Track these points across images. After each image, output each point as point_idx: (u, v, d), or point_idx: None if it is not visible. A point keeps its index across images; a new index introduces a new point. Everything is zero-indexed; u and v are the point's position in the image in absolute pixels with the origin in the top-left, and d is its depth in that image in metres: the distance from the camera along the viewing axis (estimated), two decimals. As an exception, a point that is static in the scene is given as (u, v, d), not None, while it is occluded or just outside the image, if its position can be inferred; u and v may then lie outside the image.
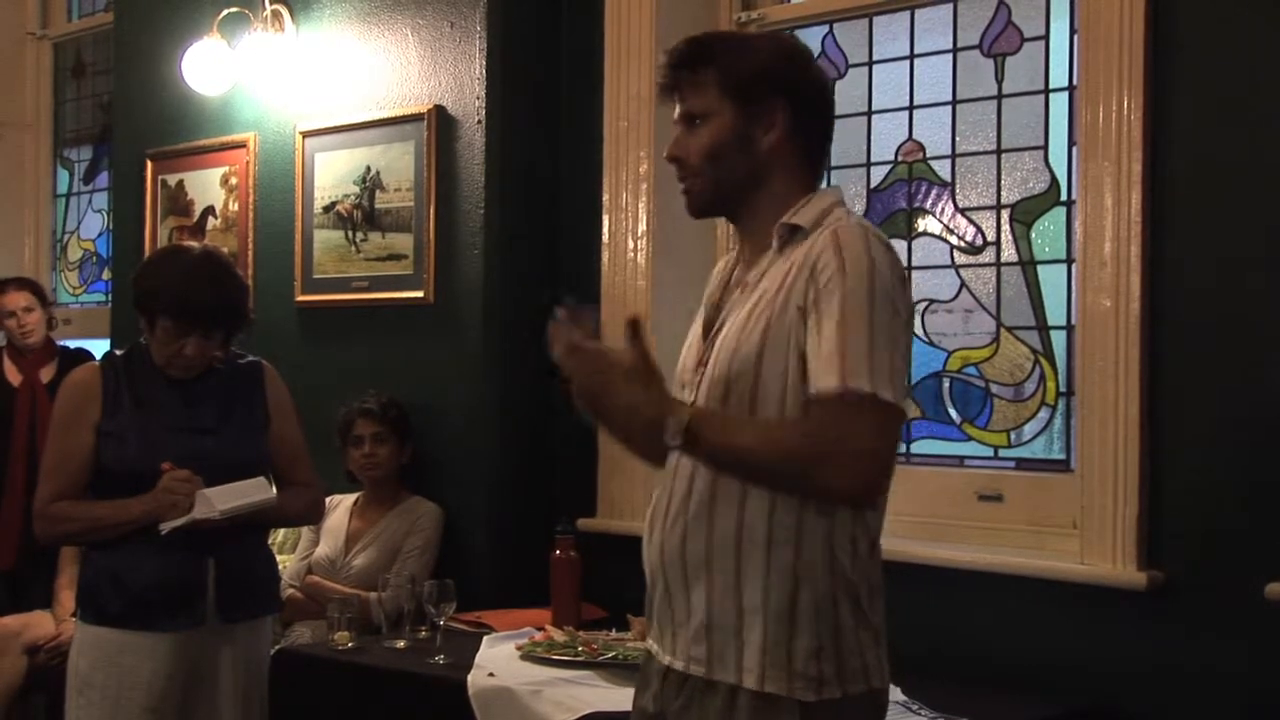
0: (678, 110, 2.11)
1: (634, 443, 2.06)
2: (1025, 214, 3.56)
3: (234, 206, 4.79)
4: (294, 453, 3.26)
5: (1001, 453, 3.58)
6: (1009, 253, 3.58)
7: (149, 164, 5.05)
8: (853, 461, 1.89)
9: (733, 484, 1.99)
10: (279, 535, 4.27)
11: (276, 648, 3.59)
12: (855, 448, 1.88)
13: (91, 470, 3.09)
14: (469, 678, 3.12)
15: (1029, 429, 3.54)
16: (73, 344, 5.35)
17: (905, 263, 3.70)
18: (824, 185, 2.14)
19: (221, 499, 2.99)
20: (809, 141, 2.09)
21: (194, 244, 3.28)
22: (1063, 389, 3.46)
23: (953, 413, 3.67)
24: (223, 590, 3.08)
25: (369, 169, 4.35)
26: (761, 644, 1.96)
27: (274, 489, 3.14)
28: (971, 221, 3.65)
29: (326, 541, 4.07)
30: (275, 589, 3.33)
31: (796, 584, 1.96)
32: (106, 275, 6.03)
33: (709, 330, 2.11)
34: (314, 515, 3.52)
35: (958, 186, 3.68)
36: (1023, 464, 3.54)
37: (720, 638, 2.00)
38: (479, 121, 4.08)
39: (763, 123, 2.05)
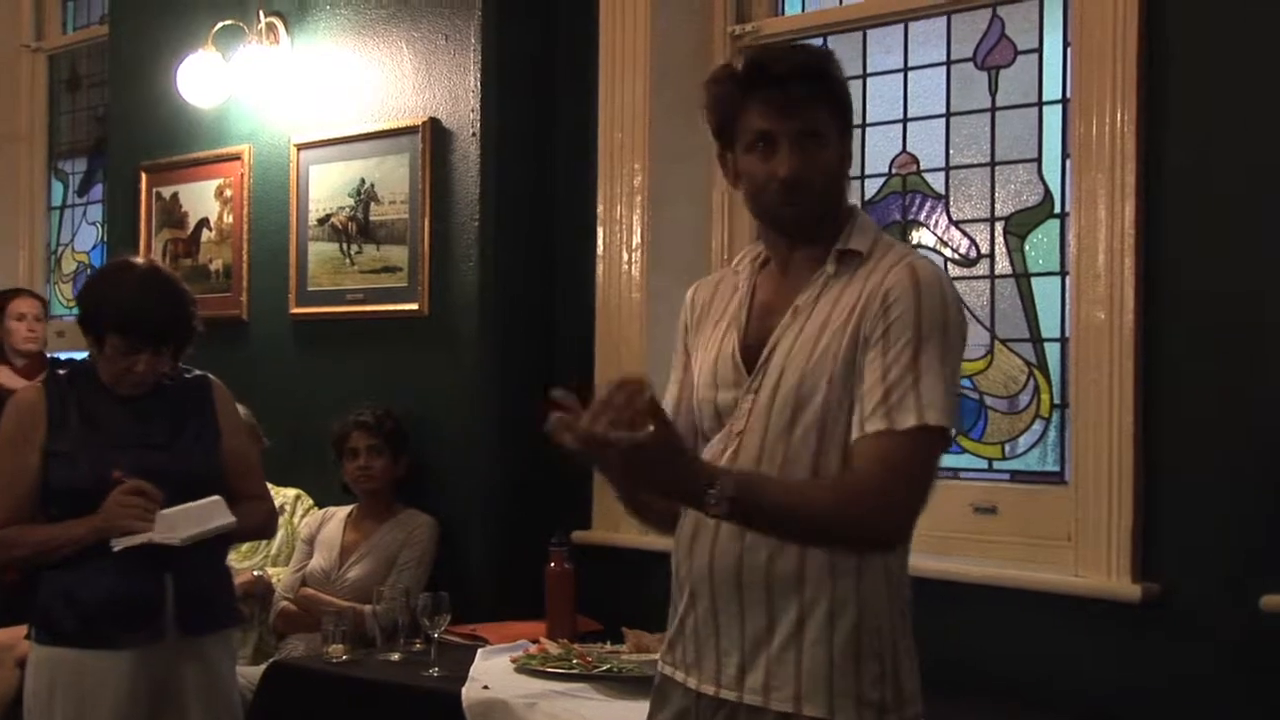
0: (785, 125, 1.97)
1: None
2: (1019, 226, 3.56)
3: (228, 219, 4.79)
4: (246, 467, 3.20)
5: (996, 465, 3.59)
6: (1003, 265, 3.59)
7: (143, 176, 5.05)
8: (891, 503, 1.90)
9: None
10: (273, 547, 4.27)
11: (270, 660, 3.59)
12: (898, 487, 1.89)
13: (39, 492, 3.01)
14: (464, 690, 3.11)
15: (1023, 441, 3.55)
16: (64, 356, 5.37)
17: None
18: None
19: (184, 526, 2.91)
20: None
21: (138, 260, 3.23)
22: (1057, 401, 3.47)
23: (947, 425, 3.67)
24: (182, 605, 3.00)
25: (364, 181, 4.35)
26: (826, 672, 1.93)
27: (230, 515, 3.02)
28: (965, 234, 3.66)
29: (321, 553, 4.07)
30: (233, 602, 3.26)
31: (861, 611, 1.95)
32: (101, 287, 6.03)
33: (749, 350, 2.03)
34: (269, 529, 3.42)
35: (952, 199, 3.69)
36: (1017, 476, 3.54)
37: (778, 667, 1.95)
38: (474, 134, 4.08)
39: (849, 152, 2.07)
